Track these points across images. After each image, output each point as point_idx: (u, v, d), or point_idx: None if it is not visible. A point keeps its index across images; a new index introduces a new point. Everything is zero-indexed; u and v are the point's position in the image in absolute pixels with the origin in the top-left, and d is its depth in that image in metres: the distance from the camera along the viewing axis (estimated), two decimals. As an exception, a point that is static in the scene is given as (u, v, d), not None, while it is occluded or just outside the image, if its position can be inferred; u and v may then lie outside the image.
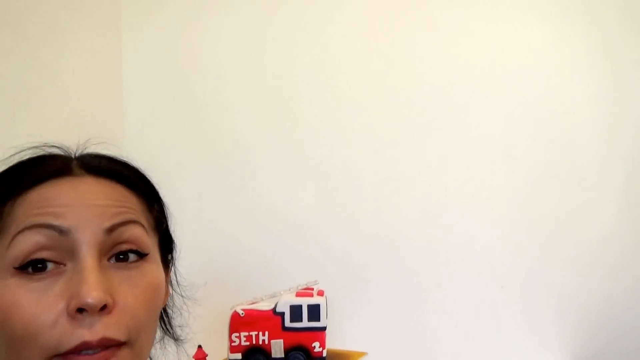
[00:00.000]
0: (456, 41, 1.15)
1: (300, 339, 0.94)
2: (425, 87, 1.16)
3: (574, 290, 1.11)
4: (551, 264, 1.12)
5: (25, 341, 0.38)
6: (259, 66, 1.21)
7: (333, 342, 1.00)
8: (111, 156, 0.48)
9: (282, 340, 0.94)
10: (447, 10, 1.15)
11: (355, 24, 1.18)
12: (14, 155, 0.45)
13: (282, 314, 0.94)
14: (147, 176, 0.49)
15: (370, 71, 1.18)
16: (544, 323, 1.12)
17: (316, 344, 0.94)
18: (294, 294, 0.97)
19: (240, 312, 0.94)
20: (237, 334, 0.94)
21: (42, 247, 0.39)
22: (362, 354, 1.01)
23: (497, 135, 1.14)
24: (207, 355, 0.94)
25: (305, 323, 0.94)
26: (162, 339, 0.52)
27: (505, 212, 1.14)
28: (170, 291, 0.52)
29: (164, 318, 0.52)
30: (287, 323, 0.94)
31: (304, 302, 0.95)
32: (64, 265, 0.39)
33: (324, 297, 0.96)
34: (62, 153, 0.47)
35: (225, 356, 0.96)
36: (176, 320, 0.53)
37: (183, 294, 0.54)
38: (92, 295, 0.37)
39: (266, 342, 0.94)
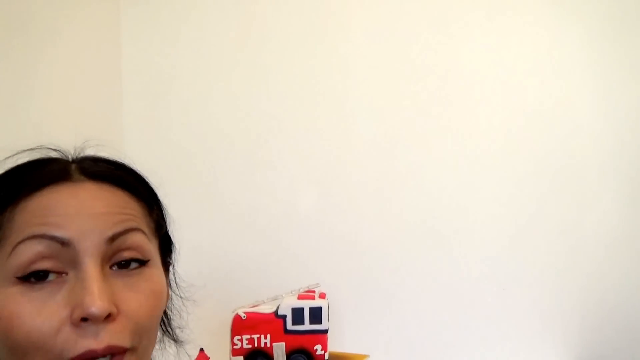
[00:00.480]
0: (456, 42, 1.15)
1: (302, 341, 0.93)
2: (427, 88, 1.16)
3: (577, 292, 1.11)
4: (553, 265, 1.12)
5: (29, 350, 0.38)
6: (260, 67, 1.21)
7: (335, 344, 1.00)
8: (110, 159, 0.48)
9: (284, 343, 0.94)
10: (447, 10, 1.15)
11: (358, 25, 1.19)
12: (9, 157, 0.45)
13: (284, 317, 0.94)
14: (146, 179, 0.49)
15: (372, 72, 1.18)
16: (547, 325, 1.11)
17: (318, 347, 0.94)
18: (296, 296, 0.97)
19: (242, 315, 0.94)
20: (239, 337, 0.94)
21: (44, 257, 0.39)
22: (364, 356, 1.01)
23: (498, 136, 1.14)
24: (209, 358, 0.94)
25: (307, 326, 0.94)
26: (161, 339, 0.52)
27: (507, 213, 1.13)
28: (170, 293, 0.52)
29: (164, 319, 0.52)
30: (289, 326, 0.94)
31: (306, 304, 0.95)
32: (66, 274, 0.39)
33: (326, 299, 0.96)
34: (60, 156, 0.47)
35: (227, 359, 0.96)
36: (175, 322, 0.53)
37: (182, 295, 0.54)
38: (97, 304, 0.37)
39: (268, 345, 0.94)
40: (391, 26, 1.18)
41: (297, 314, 0.94)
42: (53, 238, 0.39)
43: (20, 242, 0.39)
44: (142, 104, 1.25)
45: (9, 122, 0.91)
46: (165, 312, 0.52)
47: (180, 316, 0.53)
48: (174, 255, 0.52)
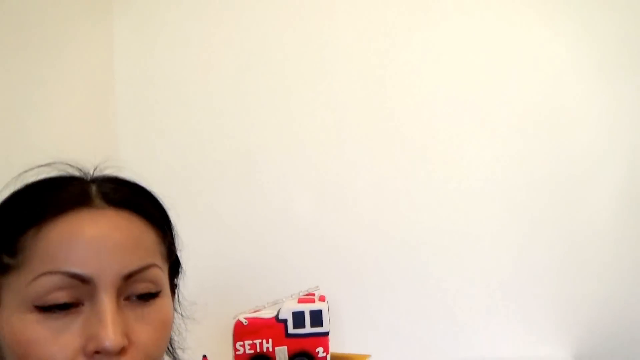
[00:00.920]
0: (455, 41, 1.15)
1: (304, 344, 0.94)
2: (424, 88, 1.17)
3: (577, 287, 1.12)
4: (553, 261, 1.12)
5: None
6: (255, 71, 1.21)
7: (336, 345, 1.01)
8: (129, 181, 0.49)
9: (286, 347, 0.94)
10: (445, 10, 1.15)
11: (353, 25, 1.18)
12: (27, 171, 0.46)
13: (285, 321, 0.95)
14: (162, 204, 0.50)
15: (369, 73, 1.18)
16: (541, 319, 1.13)
17: (320, 349, 0.94)
18: (296, 300, 0.98)
19: (244, 320, 0.95)
20: (242, 343, 0.94)
21: (63, 289, 0.40)
22: (366, 356, 1.02)
23: (496, 133, 1.14)
24: (212, 365, 0.95)
25: (308, 329, 0.94)
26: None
27: (503, 210, 1.14)
28: (174, 314, 0.52)
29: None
30: (290, 330, 0.94)
31: (306, 308, 0.95)
32: (82, 304, 0.41)
33: (326, 302, 0.97)
34: (78, 174, 0.47)
35: (231, 365, 0.96)
36: (177, 342, 0.53)
37: (183, 314, 0.55)
38: (110, 339, 0.39)
39: (270, 349, 0.94)
40: (388, 28, 1.17)
41: (298, 318, 0.95)
42: (75, 276, 0.40)
43: (42, 274, 0.40)
44: (136, 112, 1.25)
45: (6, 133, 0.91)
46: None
47: (180, 334, 0.54)
48: (180, 277, 0.53)
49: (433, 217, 1.16)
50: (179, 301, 0.54)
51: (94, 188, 0.46)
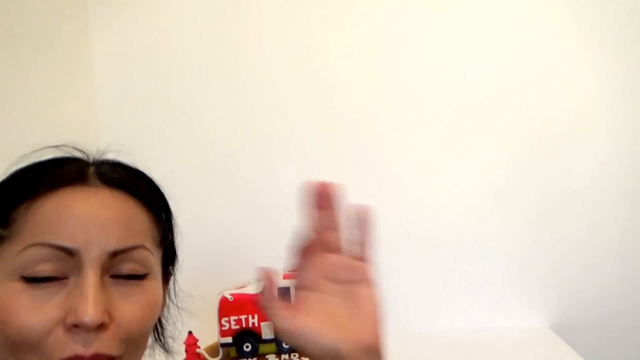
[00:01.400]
0: (454, 42, 1.14)
1: (290, 319, 0.94)
2: (412, 74, 1.15)
3: (553, 259, 1.15)
4: (531, 232, 1.15)
5: (19, 345, 0.39)
6: (236, 49, 1.17)
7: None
8: (128, 165, 0.48)
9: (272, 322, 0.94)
10: (444, 5, 1.13)
11: (340, 11, 1.15)
12: (35, 151, 0.46)
13: (271, 297, 0.94)
14: (160, 189, 0.49)
15: (353, 52, 1.15)
16: (518, 291, 1.16)
17: (306, 324, 0.95)
18: (282, 276, 0.97)
19: (229, 297, 0.94)
20: (227, 319, 0.94)
21: (49, 262, 0.40)
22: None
23: (482, 93, 1.14)
24: (197, 341, 0.94)
25: (294, 304, 0.94)
26: (152, 346, 0.52)
27: (480, 182, 1.15)
28: (167, 302, 0.51)
29: (158, 328, 0.52)
30: (276, 305, 0.94)
31: (292, 283, 0.94)
32: (67, 278, 0.40)
33: (312, 277, 0.96)
34: (81, 156, 0.47)
35: (216, 340, 0.96)
36: (169, 331, 0.52)
37: (179, 305, 0.53)
38: (90, 314, 0.38)
39: (256, 324, 0.94)
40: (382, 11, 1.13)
41: (283, 293, 0.93)
42: (62, 248, 0.40)
43: (30, 245, 0.40)
44: (116, 93, 1.21)
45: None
46: (160, 321, 0.52)
47: (174, 326, 0.52)
48: (176, 266, 0.51)
49: (415, 193, 1.16)
50: (174, 291, 0.53)
51: (92, 168, 0.45)
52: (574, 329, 1.12)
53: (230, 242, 1.18)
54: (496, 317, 1.16)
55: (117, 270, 0.42)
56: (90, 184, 0.44)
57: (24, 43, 0.97)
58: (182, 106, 1.19)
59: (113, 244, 0.41)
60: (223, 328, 0.94)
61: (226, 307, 0.94)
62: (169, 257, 0.50)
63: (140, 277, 0.43)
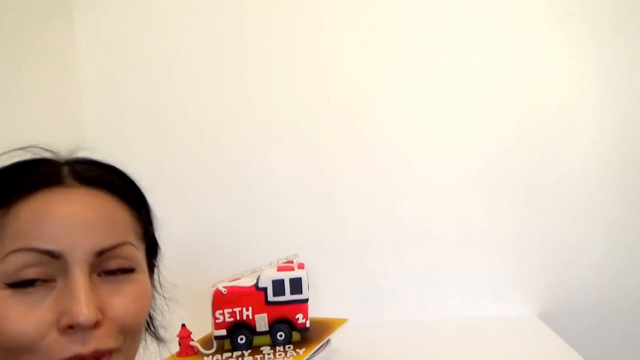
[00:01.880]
0: (442, 30, 1.14)
1: (284, 311, 0.95)
2: (400, 62, 1.15)
3: (540, 248, 1.17)
4: (519, 223, 1.17)
5: (14, 352, 0.39)
6: (227, 40, 1.17)
7: (314, 310, 1.03)
8: (102, 162, 0.48)
9: (266, 315, 0.95)
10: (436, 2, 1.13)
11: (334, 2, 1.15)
12: (0, 155, 0.45)
13: (265, 289, 0.95)
14: (136, 183, 0.49)
15: (346, 44, 1.16)
16: (507, 279, 1.18)
17: (299, 316, 0.96)
18: (275, 268, 0.98)
19: (223, 289, 0.95)
20: (221, 311, 0.95)
21: (34, 266, 0.40)
22: (343, 320, 1.04)
23: (466, 84, 1.15)
24: (191, 333, 0.95)
25: (287, 296, 0.95)
26: (143, 336, 0.53)
27: (468, 174, 1.16)
28: (153, 293, 0.52)
29: (147, 319, 0.53)
30: (270, 297, 0.95)
31: (286, 276, 0.96)
32: (54, 281, 0.40)
33: (305, 270, 0.97)
34: (52, 157, 0.46)
35: (210, 332, 0.97)
36: (158, 321, 0.53)
37: (165, 295, 0.54)
38: (84, 313, 0.39)
39: (250, 317, 0.95)
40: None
41: (278, 286, 0.96)
42: (46, 252, 0.40)
43: (12, 252, 0.40)
44: (102, 88, 1.20)
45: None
46: (149, 312, 0.52)
47: (163, 315, 0.53)
48: (159, 257, 0.52)
49: (406, 186, 1.17)
50: (159, 282, 0.54)
51: (66, 169, 0.45)
52: (561, 317, 1.15)
53: (219, 232, 1.19)
54: (485, 306, 1.18)
55: (105, 267, 0.42)
56: (67, 185, 0.43)
57: (7, 42, 0.96)
58: (170, 100, 1.19)
59: (98, 243, 0.42)
60: (217, 321, 0.95)
61: (220, 300, 0.95)
62: (152, 250, 0.51)
63: (128, 271, 0.44)
